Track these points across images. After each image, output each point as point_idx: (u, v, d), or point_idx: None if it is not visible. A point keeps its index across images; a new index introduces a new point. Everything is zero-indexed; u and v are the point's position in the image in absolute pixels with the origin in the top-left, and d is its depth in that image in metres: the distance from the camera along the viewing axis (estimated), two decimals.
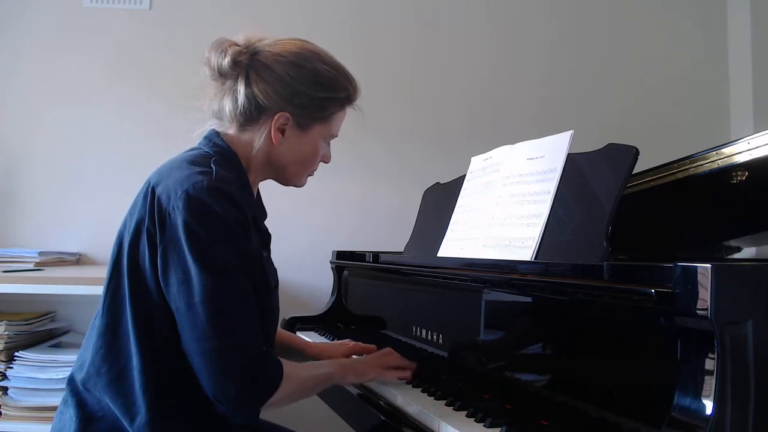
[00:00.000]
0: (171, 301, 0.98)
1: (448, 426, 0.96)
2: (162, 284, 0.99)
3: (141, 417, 0.98)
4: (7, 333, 1.91)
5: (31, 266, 2.04)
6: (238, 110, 1.11)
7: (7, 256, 2.10)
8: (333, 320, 1.88)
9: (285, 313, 1.89)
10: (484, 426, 0.95)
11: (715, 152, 1.24)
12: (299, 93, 1.11)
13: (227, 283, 0.98)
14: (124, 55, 2.41)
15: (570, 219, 1.13)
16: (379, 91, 2.52)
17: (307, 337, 1.74)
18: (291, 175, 1.21)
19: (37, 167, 2.37)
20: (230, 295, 0.98)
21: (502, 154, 1.39)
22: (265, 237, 1.19)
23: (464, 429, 0.94)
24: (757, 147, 1.16)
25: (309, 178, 1.25)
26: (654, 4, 2.71)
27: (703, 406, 0.72)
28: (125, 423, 0.99)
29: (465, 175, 1.52)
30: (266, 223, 1.21)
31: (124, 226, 1.07)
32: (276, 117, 1.11)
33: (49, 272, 1.94)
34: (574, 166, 1.18)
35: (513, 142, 1.38)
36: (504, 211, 1.29)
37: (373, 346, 1.42)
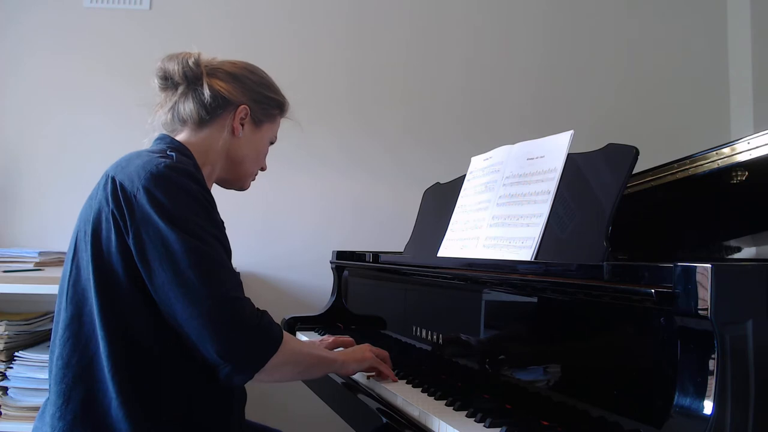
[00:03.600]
0: (154, 278, 0.97)
1: (448, 426, 0.96)
2: (140, 266, 0.98)
3: (113, 402, 0.97)
4: (7, 333, 1.92)
5: (31, 266, 2.04)
6: (205, 101, 1.17)
7: (7, 256, 2.10)
8: (333, 320, 1.88)
9: (285, 312, 1.90)
10: (484, 426, 0.95)
11: (715, 152, 1.24)
12: (255, 91, 1.24)
13: (208, 245, 0.99)
14: (124, 55, 2.41)
15: (570, 219, 1.13)
16: (377, 91, 2.52)
17: (307, 337, 1.74)
18: (244, 172, 1.28)
19: (37, 167, 2.38)
20: (215, 255, 0.99)
21: (502, 154, 1.39)
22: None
23: (464, 429, 0.94)
24: (757, 147, 1.17)
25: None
26: (654, 4, 2.71)
27: (703, 406, 0.72)
28: (98, 413, 0.98)
29: (465, 175, 1.52)
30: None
31: (80, 222, 1.07)
32: (238, 110, 1.21)
33: (49, 272, 1.94)
34: (574, 166, 1.18)
35: (513, 142, 1.38)
36: (504, 211, 1.29)
37: (386, 352, 1.37)
